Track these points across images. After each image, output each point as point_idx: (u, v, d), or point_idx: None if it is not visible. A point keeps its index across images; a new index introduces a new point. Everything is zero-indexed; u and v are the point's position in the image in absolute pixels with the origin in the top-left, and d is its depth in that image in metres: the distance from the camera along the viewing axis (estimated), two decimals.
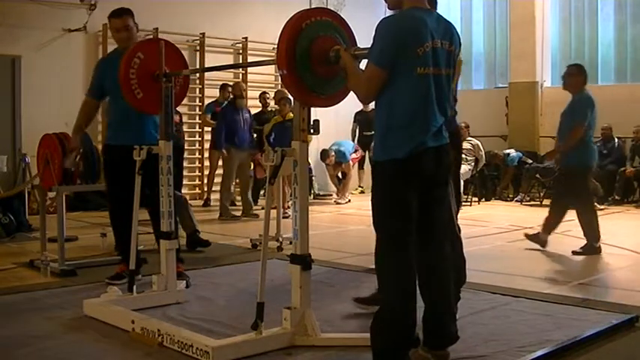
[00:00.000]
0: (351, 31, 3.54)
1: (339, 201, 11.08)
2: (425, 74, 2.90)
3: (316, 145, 11.29)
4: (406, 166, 2.90)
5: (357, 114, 11.99)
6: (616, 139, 11.17)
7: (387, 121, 2.94)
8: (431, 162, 2.97)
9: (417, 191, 2.96)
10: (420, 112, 2.93)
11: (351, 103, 11.35)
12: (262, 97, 10.97)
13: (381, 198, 2.99)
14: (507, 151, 11.91)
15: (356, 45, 3.43)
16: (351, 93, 3.52)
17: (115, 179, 4.83)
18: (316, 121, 3.49)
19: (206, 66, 11.04)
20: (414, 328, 2.97)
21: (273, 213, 8.24)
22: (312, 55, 3.30)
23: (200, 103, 11.49)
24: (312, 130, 3.50)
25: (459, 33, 3.21)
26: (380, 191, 3.00)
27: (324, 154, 11.16)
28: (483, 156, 10.96)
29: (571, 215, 9.34)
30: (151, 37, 10.00)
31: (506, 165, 11.74)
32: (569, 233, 7.78)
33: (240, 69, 12.22)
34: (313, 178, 11.65)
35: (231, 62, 12.07)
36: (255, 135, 9.93)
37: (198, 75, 11.37)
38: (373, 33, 2.93)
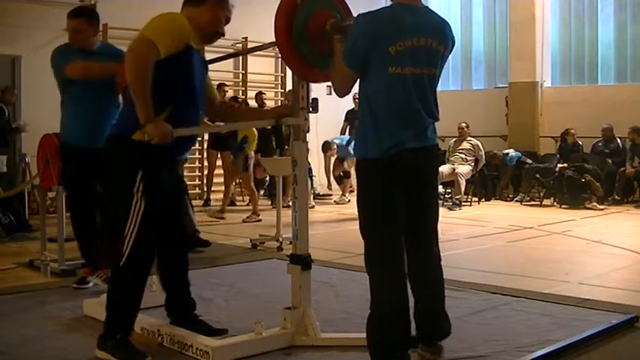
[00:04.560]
0: (347, 6, 3.49)
1: (339, 201, 11.08)
2: (398, 74, 2.82)
3: (316, 143, 11.27)
4: (384, 166, 2.85)
5: (348, 112, 11.84)
6: (618, 139, 11.17)
7: (366, 119, 2.91)
8: (412, 163, 2.90)
9: (401, 193, 2.90)
10: (397, 112, 2.86)
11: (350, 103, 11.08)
12: (259, 97, 11.01)
13: (363, 199, 2.96)
14: (506, 150, 11.91)
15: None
16: None
17: (80, 179, 4.65)
18: (315, 100, 3.49)
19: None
20: (409, 328, 2.95)
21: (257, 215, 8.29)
22: (310, 30, 3.28)
23: None
24: (310, 109, 3.51)
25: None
26: (362, 192, 2.97)
27: (325, 146, 11.05)
28: (483, 156, 10.96)
29: (571, 215, 9.37)
30: None
31: (505, 165, 11.74)
32: (569, 233, 7.79)
33: (241, 69, 12.23)
34: (314, 178, 11.64)
35: (231, 62, 12.08)
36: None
37: None
38: None
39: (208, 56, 3.92)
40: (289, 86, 3.71)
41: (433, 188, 3.15)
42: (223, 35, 3.46)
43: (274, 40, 3.32)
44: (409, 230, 2.97)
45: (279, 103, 12.34)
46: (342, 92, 3.00)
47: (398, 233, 2.90)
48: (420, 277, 3.07)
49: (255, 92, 11.31)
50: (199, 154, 11.74)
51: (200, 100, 3.39)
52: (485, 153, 11.10)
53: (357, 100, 10.87)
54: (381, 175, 2.85)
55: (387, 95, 2.83)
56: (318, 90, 9.79)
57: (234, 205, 10.86)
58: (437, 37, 2.91)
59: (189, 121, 3.29)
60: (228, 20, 3.40)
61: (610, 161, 10.91)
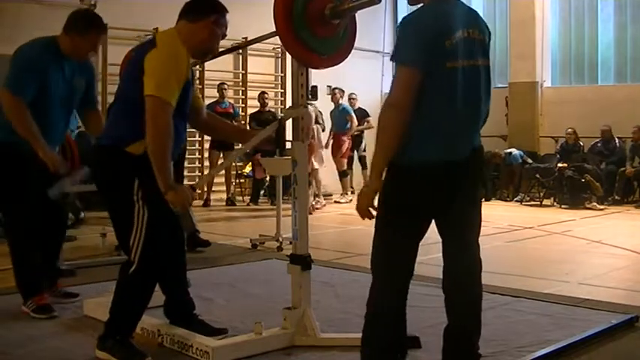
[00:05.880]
0: None
1: (340, 200, 11.10)
2: (456, 67, 2.65)
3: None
4: (441, 172, 2.67)
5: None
6: (617, 140, 11.16)
7: (414, 123, 2.63)
8: (460, 168, 2.74)
9: (440, 197, 2.73)
10: (449, 111, 2.66)
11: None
12: (261, 96, 11.02)
13: (389, 199, 2.73)
14: (509, 150, 11.84)
15: None
16: (351, 55, 3.51)
17: (29, 190, 4.07)
18: (314, 87, 3.49)
19: (207, 67, 11.06)
20: (405, 329, 2.88)
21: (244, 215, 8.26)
22: (309, 15, 3.27)
23: None
24: (310, 97, 3.51)
25: None
26: (390, 193, 2.72)
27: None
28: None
29: (571, 215, 9.37)
30: (151, 37, 10.00)
31: (509, 164, 11.65)
32: (569, 233, 7.79)
33: (241, 69, 12.23)
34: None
35: (231, 62, 12.09)
36: None
37: (198, 75, 11.37)
38: (395, 35, 2.82)
39: None
40: (289, 86, 3.77)
41: (478, 189, 3.00)
42: (217, 54, 3.44)
43: (274, 40, 3.32)
44: (451, 232, 2.83)
45: (280, 103, 12.37)
46: (406, 103, 2.60)
47: (416, 236, 2.76)
48: (461, 286, 2.88)
49: (258, 92, 11.30)
50: (199, 154, 11.74)
51: (187, 113, 3.38)
52: (485, 153, 11.08)
53: (337, 96, 10.97)
54: (424, 182, 2.68)
55: (441, 93, 2.64)
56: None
57: (234, 205, 10.86)
58: (476, 27, 2.79)
59: (178, 134, 3.26)
60: (223, 36, 3.37)
61: (604, 164, 10.89)
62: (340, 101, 11.16)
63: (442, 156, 2.68)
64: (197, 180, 11.64)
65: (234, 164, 11.29)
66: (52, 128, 4.12)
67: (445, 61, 2.64)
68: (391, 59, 2.71)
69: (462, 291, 2.89)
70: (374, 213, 2.69)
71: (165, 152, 3.03)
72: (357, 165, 11.96)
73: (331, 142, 11.20)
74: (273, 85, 12.59)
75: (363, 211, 2.69)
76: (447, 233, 2.87)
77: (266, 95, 11.16)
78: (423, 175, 2.68)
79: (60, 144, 4.32)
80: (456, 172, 2.74)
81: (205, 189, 11.00)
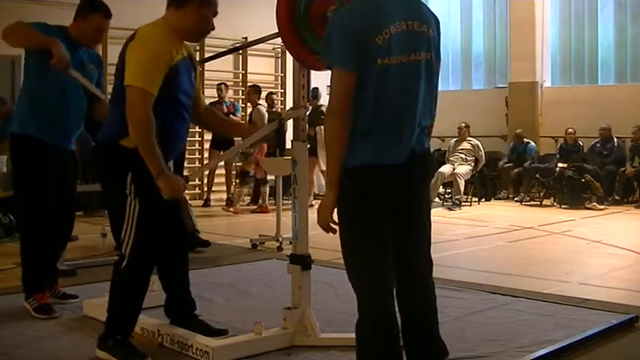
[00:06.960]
0: None
1: None
2: (387, 65, 2.45)
3: None
4: (373, 178, 2.49)
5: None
6: (615, 140, 11.17)
7: (354, 125, 2.47)
8: (406, 172, 2.54)
9: (390, 204, 2.55)
10: (382, 111, 2.47)
11: None
12: (269, 97, 10.97)
13: (344, 211, 2.57)
14: (527, 140, 11.73)
15: None
16: None
17: (47, 184, 4.06)
18: (315, 89, 3.49)
19: (207, 67, 11.07)
20: (399, 337, 2.66)
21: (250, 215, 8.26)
22: (312, 17, 3.27)
23: None
24: (311, 98, 3.50)
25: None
26: (344, 203, 2.55)
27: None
28: (483, 156, 10.96)
29: (571, 215, 9.37)
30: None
31: (525, 153, 11.55)
32: (569, 233, 7.79)
33: (241, 69, 12.24)
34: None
35: (231, 62, 12.10)
36: None
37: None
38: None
39: (207, 55, 3.91)
40: (290, 86, 3.70)
41: (426, 198, 2.75)
42: (213, 29, 3.36)
43: (274, 40, 3.32)
44: (397, 257, 2.58)
45: (280, 104, 12.36)
46: (342, 107, 2.45)
47: (385, 250, 2.57)
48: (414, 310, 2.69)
49: (265, 93, 11.21)
50: (199, 154, 11.74)
51: (186, 108, 3.33)
52: (484, 153, 11.10)
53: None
54: (368, 186, 2.51)
55: (378, 93, 2.45)
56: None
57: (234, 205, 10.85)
58: (418, 18, 2.55)
59: (174, 132, 3.26)
60: (215, 14, 3.30)
61: (600, 164, 10.89)
62: None
63: (376, 159, 2.48)
64: (197, 180, 11.67)
65: (234, 164, 11.28)
66: (71, 112, 4.12)
67: (376, 58, 2.44)
68: (321, 61, 2.60)
69: (423, 292, 2.70)
70: (335, 227, 2.58)
71: (150, 139, 3.02)
72: None
73: None
74: (273, 86, 12.58)
75: (325, 226, 2.58)
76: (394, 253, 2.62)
77: (274, 96, 11.06)
78: (360, 179, 2.50)
79: (79, 129, 4.31)
80: (396, 177, 2.52)
81: (205, 189, 11.01)
